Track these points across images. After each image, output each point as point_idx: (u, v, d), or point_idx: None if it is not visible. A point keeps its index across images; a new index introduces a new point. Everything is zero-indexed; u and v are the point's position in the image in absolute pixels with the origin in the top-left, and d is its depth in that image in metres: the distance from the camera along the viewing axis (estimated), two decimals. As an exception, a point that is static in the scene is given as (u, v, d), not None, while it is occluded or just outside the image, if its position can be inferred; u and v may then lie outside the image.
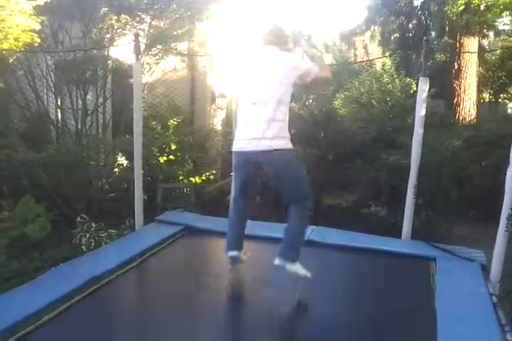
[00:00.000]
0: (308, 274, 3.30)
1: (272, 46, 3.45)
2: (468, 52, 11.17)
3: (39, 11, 4.92)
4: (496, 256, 3.85)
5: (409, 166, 4.81)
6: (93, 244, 4.94)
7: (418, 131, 4.74)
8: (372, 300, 3.57)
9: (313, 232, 4.65)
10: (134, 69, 5.03)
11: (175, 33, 6.08)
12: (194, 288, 3.64)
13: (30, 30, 4.94)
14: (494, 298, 3.51)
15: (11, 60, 5.24)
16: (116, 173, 6.58)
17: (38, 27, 4.96)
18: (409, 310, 3.38)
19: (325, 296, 3.57)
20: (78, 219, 5.35)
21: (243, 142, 3.34)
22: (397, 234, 4.90)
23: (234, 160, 3.54)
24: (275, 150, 3.20)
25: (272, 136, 3.19)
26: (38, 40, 5.06)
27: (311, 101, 9.73)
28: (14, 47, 4.97)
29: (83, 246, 4.93)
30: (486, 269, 4.02)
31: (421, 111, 4.73)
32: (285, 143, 3.27)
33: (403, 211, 4.89)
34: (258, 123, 3.23)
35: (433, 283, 3.79)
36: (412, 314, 3.31)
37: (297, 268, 3.29)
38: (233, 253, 3.48)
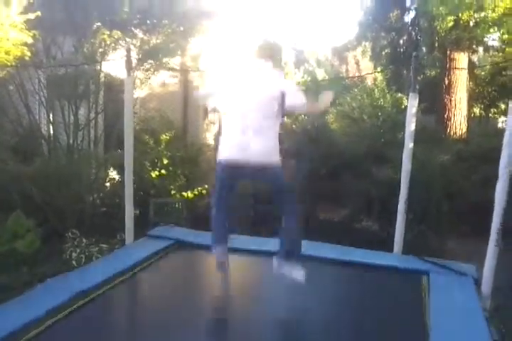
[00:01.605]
0: (302, 277, 3.34)
1: (264, 61, 3.48)
2: (458, 68, 11.27)
3: (31, 25, 4.92)
4: (487, 270, 3.86)
5: (400, 180, 4.82)
6: (84, 259, 4.90)
7: (408, 145, 4.76)
8: (364, 315, 3.53)
9: (304, 247, 4.63)
10: (126, 85, 5.03)
11: (167, 47, 6.10)
12: (183, 303, 3.61)
13: (22, 44, 4.92)
14: (486, 313, 3.50)
15: (1, 75, 5.22)
16: (108, 188, 6.55)
17: (29, 40, 4.95)
18: (401, 325, 3.36)
19: (315, 311, 3.55)
20: (69, 234, 5.31)
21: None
22: (389, 249, 4.88)
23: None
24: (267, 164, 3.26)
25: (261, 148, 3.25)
26: (29, 54, 5.04)
27: (303, 115, 9.74)
28: (5, 61, 4.96)
29: (73, 261, 4.88)
30: (477, 283, 4.01)
31: (411, 126, 4.76)
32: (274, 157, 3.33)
33: (395, 225, 4.89)
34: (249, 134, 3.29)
35: (426, 297, 3.76)
36: (404, 329, 3.29)
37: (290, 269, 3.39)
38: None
